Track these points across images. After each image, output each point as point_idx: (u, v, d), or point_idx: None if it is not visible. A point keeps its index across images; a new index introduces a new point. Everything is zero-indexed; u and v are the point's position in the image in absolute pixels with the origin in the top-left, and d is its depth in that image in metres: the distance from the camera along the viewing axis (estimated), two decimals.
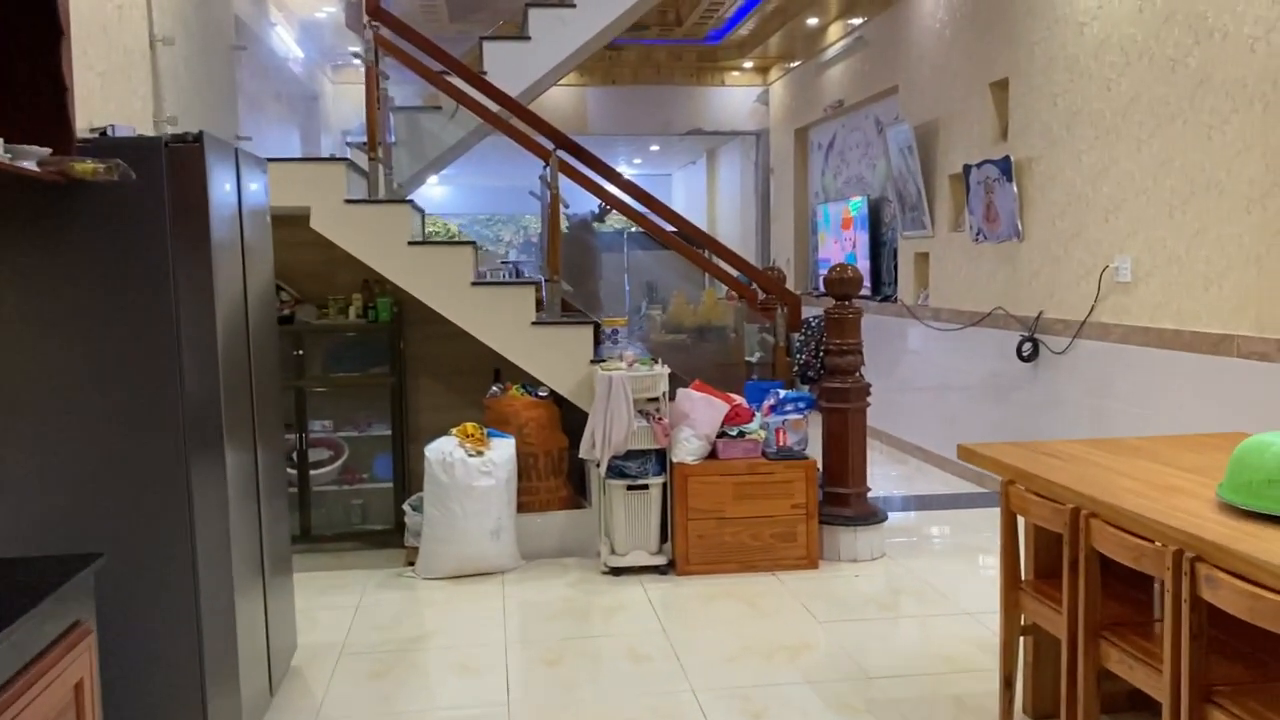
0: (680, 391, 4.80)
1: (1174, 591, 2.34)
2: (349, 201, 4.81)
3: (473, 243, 4.98)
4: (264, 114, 7.48)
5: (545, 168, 5.00)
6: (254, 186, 3.39)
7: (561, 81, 10.80)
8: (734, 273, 5.47)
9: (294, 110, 8.74)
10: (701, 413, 4.73)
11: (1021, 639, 3.22)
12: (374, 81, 4.95)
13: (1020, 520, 3.13)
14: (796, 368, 5.14)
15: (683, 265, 6.06)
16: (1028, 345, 5.87)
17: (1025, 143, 5.93)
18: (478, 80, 5.22)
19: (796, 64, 10.11)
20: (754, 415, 4.86)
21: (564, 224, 5.87)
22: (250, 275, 3.27)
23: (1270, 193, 4.07)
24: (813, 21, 9.00)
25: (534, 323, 4.92)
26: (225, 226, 2.98)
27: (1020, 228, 5.97)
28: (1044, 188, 5.75)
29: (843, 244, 9.01)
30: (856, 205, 8.60)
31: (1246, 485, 2.45)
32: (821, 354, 5.03)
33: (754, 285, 5.41)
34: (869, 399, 4.96)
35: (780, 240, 10.98)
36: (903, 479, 6.93)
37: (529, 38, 5.84)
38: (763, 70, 11.06)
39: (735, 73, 11.06)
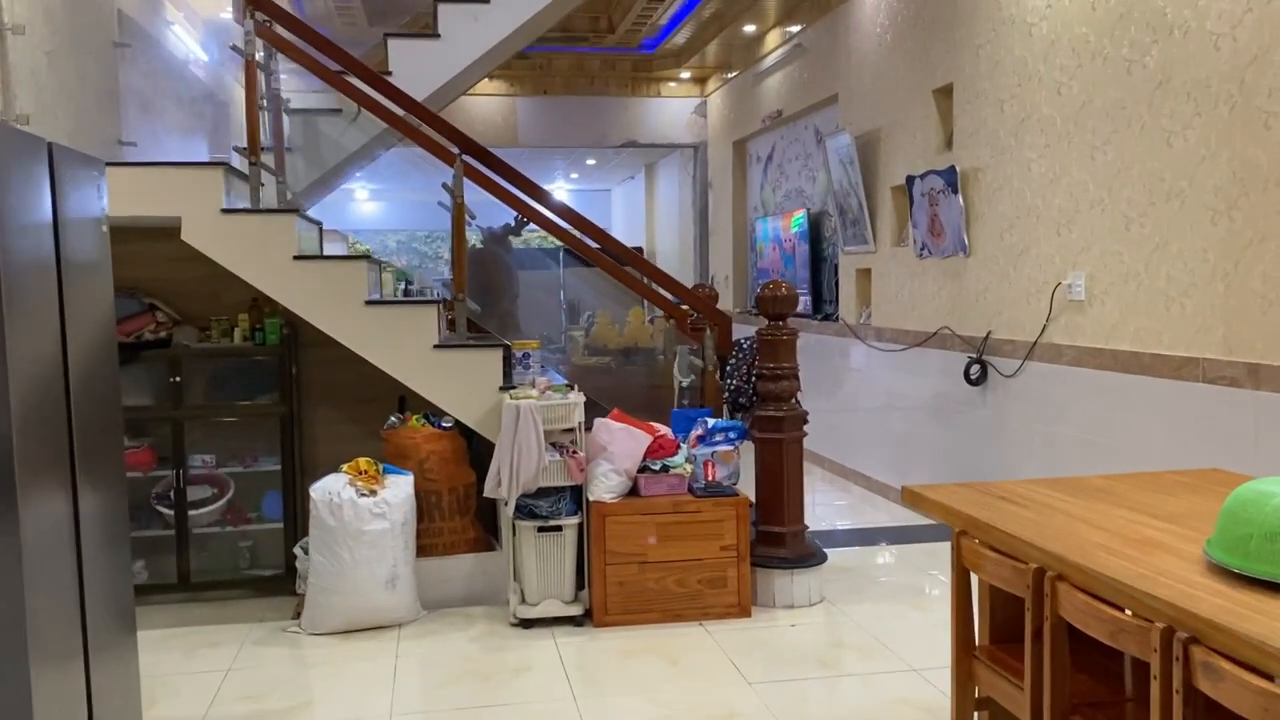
0: (598, 422, 4.33)
1: (1163, 679, 1.92)
2: (226, 211, 4.29)
3: (368, 256, 4.48)
4: (161, 120, 6.91)
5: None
6: (82, 192, 2.87)
7: (490, 91, 10.36)
8: (663, 291, 5.03)
9: (200, 118, 8.16)
10: (621, 445, 4.27)
11: (976, 715, 2.79)
12: (254, 77, 4.44)
13: (974, 576, 2.70)
14: (727, 394, 4.70)
15: (608, 283, 5.62)
16: (975, 367, 5.50)
17: (971, 152, 5.58)
18: (377, 80, 4.74)
19: (734, 74, 9.76)
20: (679, 447, 4.41)
21: (476, 238, 5.40)
22: (72, 295, 2.74)
23: (1237, 203, 3.73)
24: (750, 29, 8.64)
25: (436, 346, 4.43)
26: (25, 239, 2.46)
27: (966, 242, 5.61)
28: (991, 199, 5.40)
29: (783, 260, 8.63)
30: (798, 221, 8.22)
31: (1242, 544, 2.04)
32: (754, 379, 4.60)
33: (683, 304, 4.97)
34: (806, 428, 4.53)
35: (719, 256, 10.59)
36: (844, 510, 6.53)
37: (438, 35, 5.36)
38: (700, 81, 10.69)
39: (672, 83, 10.67)
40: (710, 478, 4.39)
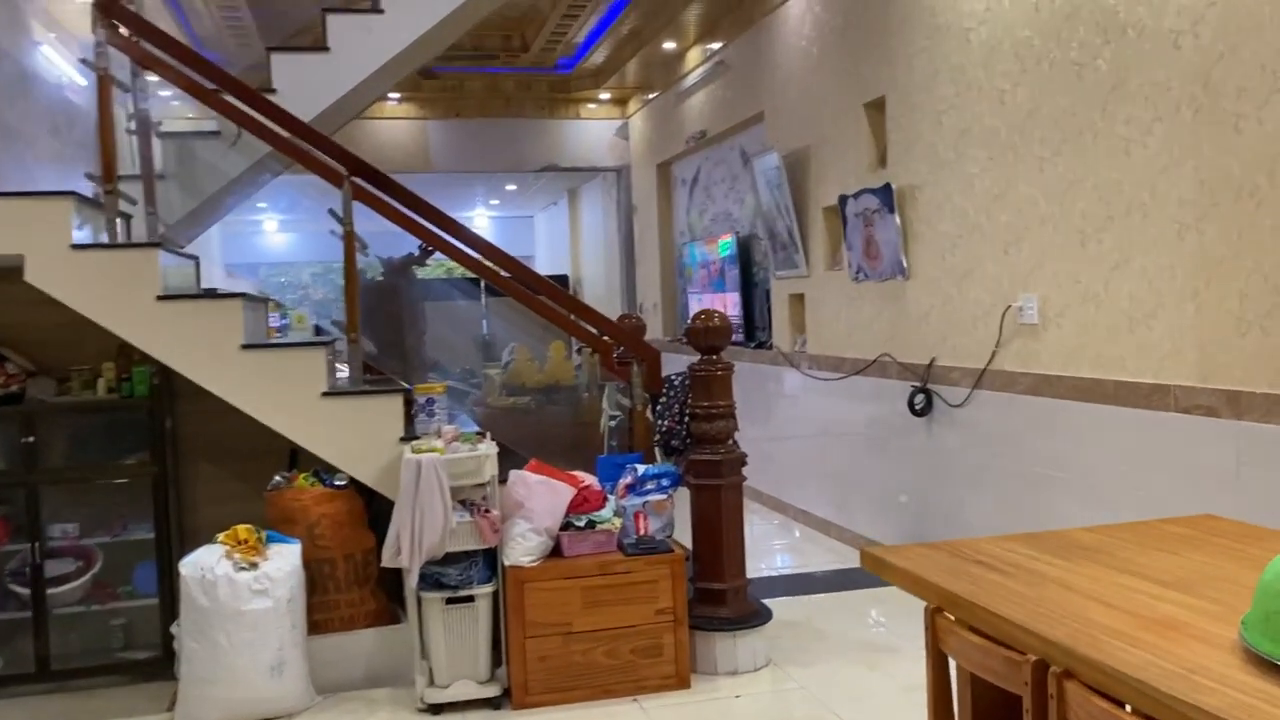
0: (513, 475, 3.85)
1: None
2: (76, 247, 3.74)
3: (243, 295, 3.95)
4: (32, 150, 6.28)
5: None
6: None
7: (400, 114, 9.85)
8: (585, 323, 4.57)
9: (83, 148, 7.52)
10: (540, 500, 3.78)
11: None
12: (107, 94, 3.91)
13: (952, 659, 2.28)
14: (658, 436, 4.26)
15: (527, 316, 5.14)
16: (920, 397, 5.13)
17: (907, 168, 5.24)
18: (254, 99, 4.22)
19: (655, 94, 9.39)
20: (606, 499, 3.95)
21: (376, 268, 4.90)
22: None
23: (1207, 215, 3.40)
24: (670, 46, 8.28)
25: (325, 394, 3.92)
26: None
27: (905, 264, 5.26)
28: (931, 218, 5.06)
29: (713, 285, 8.24)
30: (726, 246, 7.85)
31: None
32: (687, 419, 4.17)
33: (606, 337, 4.52)
34: (745, 471, 4.11)
35: (647, 283, 10.19)
36: (786, 552, 6.11)
37: (328, 49, 4.87)
38: (621, 102, 10.31)
39: (591, 105, 10.28)
40: (642, 532, 3.93)
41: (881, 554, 2.51)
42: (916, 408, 5.14)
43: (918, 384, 5.15)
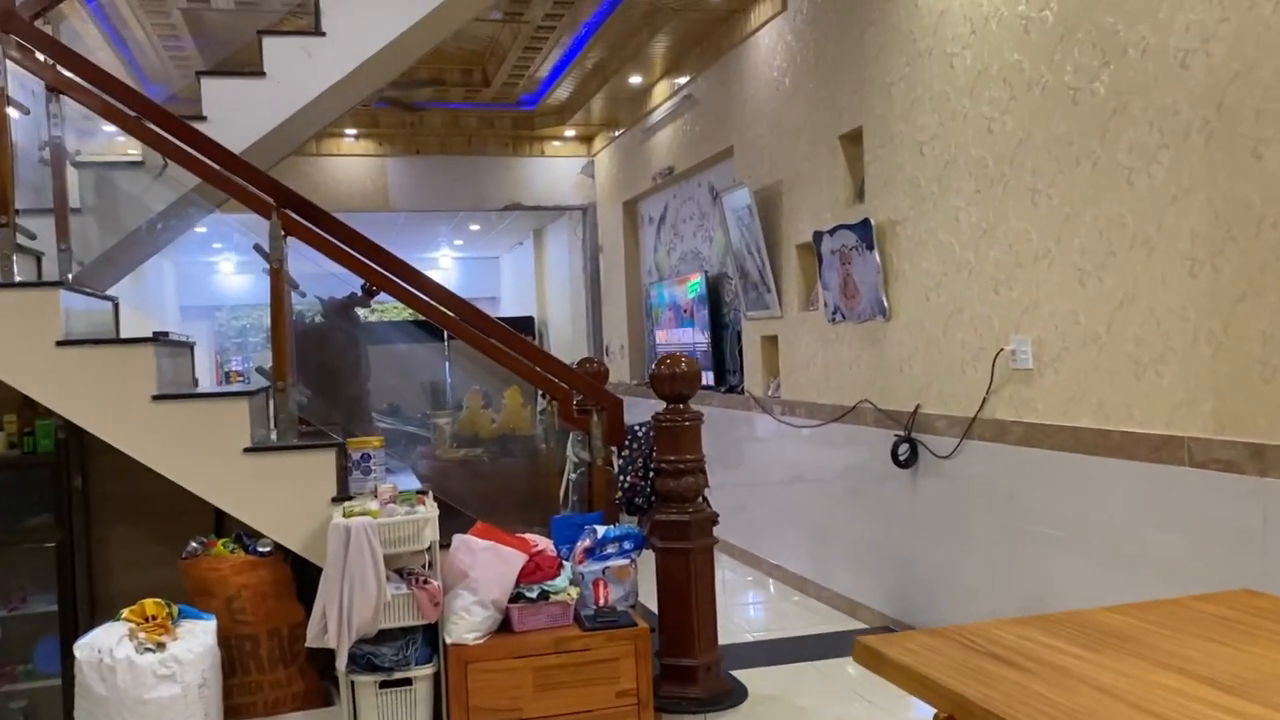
0: (457, 540, 3.44)
1: None
2: None
3: (158, 338, 3.54)
4: None
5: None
6: None
7: (356, 151, 9.49)
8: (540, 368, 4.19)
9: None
10: (487, 569, 3.38)
11: None
12: (2, 114, 3.51)
13: None
14: (620, 493, 3.87)
15: (480, 362, 4.75)
16: (904, 447, 4.78)
17: (887, 203, 4.93)
18: (178, 124, 3.84)
19: (622, 131, 9.09)
20: (562, 565, 3.54)
21: (315, 308, 4.50)
22: None
23: (1223, 250, 3.09)
24: (636, 81, 7.99)
25: (248, 449, 3.50)
26: None
27: (886, 304, 4.93)
28: (913, 255, 4.74)
29: (681, 327, 7.90)
30: (695, 286, 7.52)
31: None
32: (652, 474, 3.78)
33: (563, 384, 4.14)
34: (715, 532, 3.72)
35: (613, 325, 9.83)
36: (759, 613, 5.71)
37: (264, 74, 4.50)
38: (586, 139, 10.01)
39: (556, 142, 9.96)
40: (601, 602, 3.54)
41: (878, 646, 2.12)
42: (900, 458, 4.79)
43: (901, 433, 4.81)
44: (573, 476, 4.39)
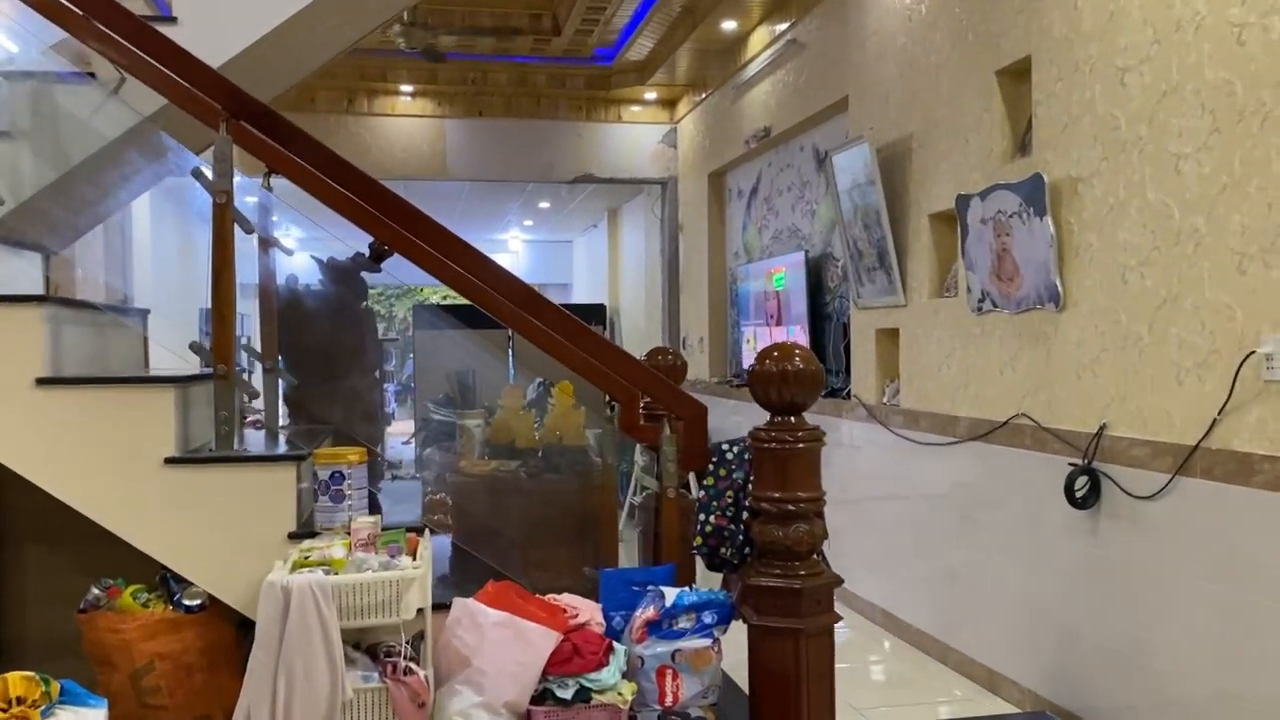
0: (457, 608, 2.34)
1: None
2: None
3: (43, 297, 2.51)
4: None
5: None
6: None
7: (413, 110, 8.49)
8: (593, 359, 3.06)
9: None
10: (500, 653, 2.27)
11: None
12: None
13: None
14: (700, 540, 2.71)
15: (528, 350, 3.65)
16: (1082, 480, 3.56)
17: (1065, 154, 3.71)
18: (137, 28, 2.78)
19: (709, 92, 7.93)
20: (612, 648, 2.42)
21: (290, 283, 3.46)
22: None
23: None
24: (729, 26, 6.83)
25: (171, 460, 2.45)
26: None
27: (1060, 288, 3.71)
28: (1104, 223, 3.51)
29: (776, 316, 6.73)
30: (779, 279, 6.33)
31: None
32: (745, 514, 2.64)
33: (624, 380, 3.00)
34: (834, 608, 2.56)
35: (691, 315, 8.68)
36: (877, 693, 4.53)
37: None
38: (669, 104, 8.87)
39: (635, 106, 8.84)
40: (669, 701, 2.41)
41: None
42: (1076, 494, 3.57)
43: (1077, 461, 3.59)
44: (636, 501, 3.28)
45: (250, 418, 3.18)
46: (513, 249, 15.77)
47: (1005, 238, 3.99)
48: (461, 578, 3.06)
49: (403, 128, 8.49)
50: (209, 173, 2.55)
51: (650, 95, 8.70)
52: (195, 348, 2.53)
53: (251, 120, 2.58)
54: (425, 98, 8.47)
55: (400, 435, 8.48)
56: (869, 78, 5.27)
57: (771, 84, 6.71)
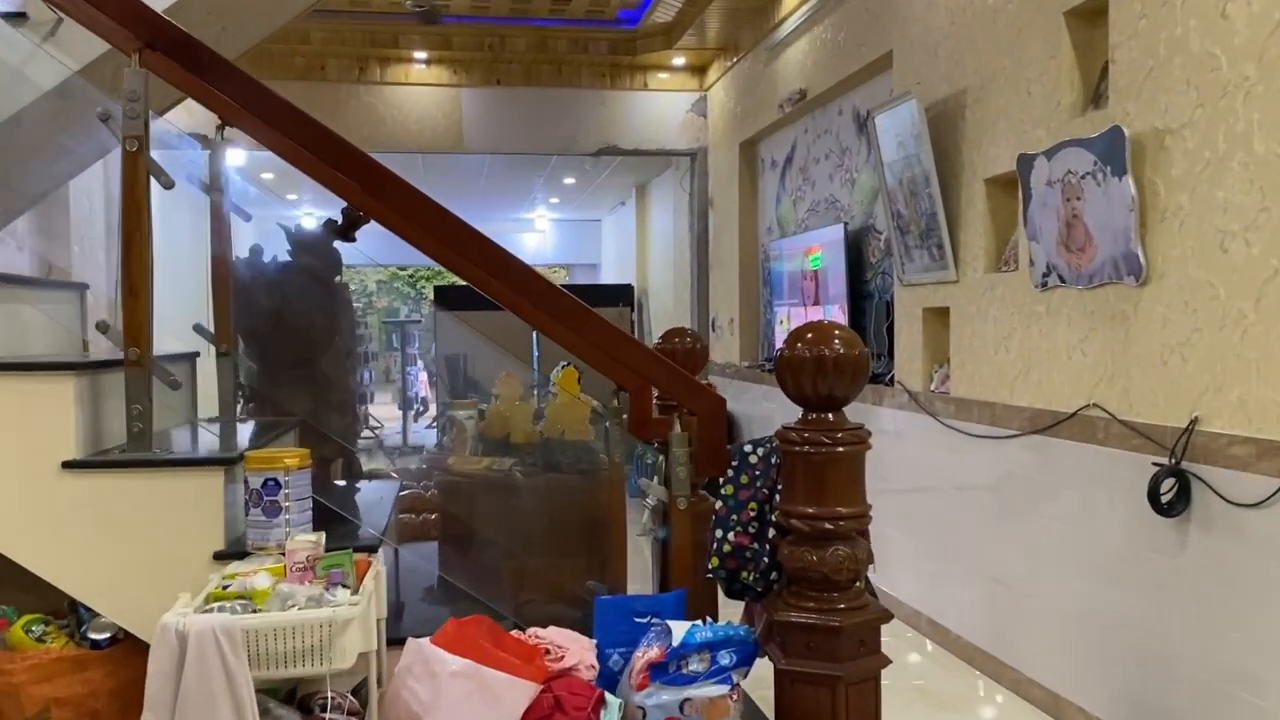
0: (410, 651, 1.88)
1: None
2: None
3: None
4: None
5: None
6: None
7: (428, 79, 8.03)
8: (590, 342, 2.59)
9: None
10: (458, 711, 1.81)
11: None
12: None
13: None
14: (716, 561, 2.24)
15: (519, 329, 3.18)
16: (1169, 483, 3.05)
17: (1149, 104, 3.18)
18: None
19: (741, 55, 7.40)
20: (600, 701, 1.97)
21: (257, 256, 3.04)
22: None
23: None
24: None
25: (70, 464, 2.02)
26: None
27: (1142, 260, 3.19)
28: (1198, 181, 2.99)
29: (813, 294, 6.22)
30: (815, 258, 5.82)
31: None
32: (771, 531, 2.17)
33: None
34: (881, 648, 2.08)
35: (721, 294, 8.19)
36: (921, 696, 4.04)
37: None
38: (698, 70, 8.35)
39: (662, 74, 8.33)
40: None
41: None
42: (1162, 499, 3.06)
43: (1163, 460, 3.07)
44: (649, 504, 2.81)
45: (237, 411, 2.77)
46: (539, 228, 15.33)
47: (1076, 202, 3.46)
48: (444, 596, 2.63)
49: (417, 98, 8.03)
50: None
51: (678, 60, 8.18)
52: (102, 327, 2.09)
53: (171, 51, 2.13)
54: (440, 65, 8.00)
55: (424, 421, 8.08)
56: (916, 29, 4.74)
57: (808, 42, 6.18)
